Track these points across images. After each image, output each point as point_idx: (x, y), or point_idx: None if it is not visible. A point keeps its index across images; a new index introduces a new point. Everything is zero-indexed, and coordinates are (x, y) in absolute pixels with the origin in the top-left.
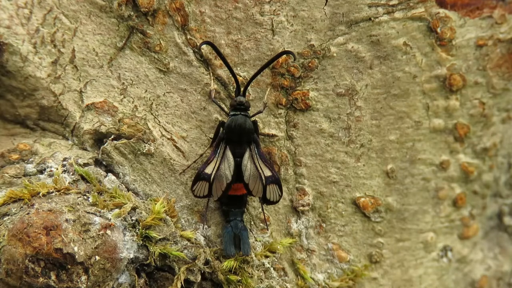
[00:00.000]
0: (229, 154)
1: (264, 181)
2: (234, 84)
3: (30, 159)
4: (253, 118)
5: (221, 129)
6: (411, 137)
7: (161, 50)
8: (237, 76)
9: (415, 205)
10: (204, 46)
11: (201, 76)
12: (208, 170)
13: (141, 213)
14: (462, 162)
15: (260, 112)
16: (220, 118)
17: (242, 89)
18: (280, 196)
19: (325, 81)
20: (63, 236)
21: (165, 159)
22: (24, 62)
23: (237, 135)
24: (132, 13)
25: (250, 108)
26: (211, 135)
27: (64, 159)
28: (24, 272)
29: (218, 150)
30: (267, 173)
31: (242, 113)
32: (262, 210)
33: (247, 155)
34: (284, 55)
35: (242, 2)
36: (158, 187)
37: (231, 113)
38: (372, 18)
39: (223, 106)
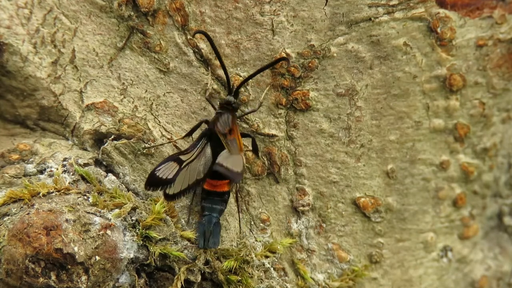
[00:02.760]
0: (208, 151)
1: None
2: (234, 84)
3: (30, 159)
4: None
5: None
6: (411, 137)
7: (161, 50)
8: (237, 76)
9: (415, 205)
10: (204, 46)
11: (201, 76)
12: (184, 158)
13: (141, 213)
14: (462, 162)
15: (253, 111)
16: None
17: (235, 89)
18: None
19: (325, 81)
20: (63, 236)
21: None
22: (24, 62)
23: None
24: (132, 13)
25: (239, 110)
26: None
27: (64, 159)
28: (24, 272)
29: (198, 145)
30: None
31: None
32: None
33: (224, 151)
34: (284, 54)
35: (242, 2)
36: None
37: (218, 111)
38: (372, 18)
39: (215, 105)
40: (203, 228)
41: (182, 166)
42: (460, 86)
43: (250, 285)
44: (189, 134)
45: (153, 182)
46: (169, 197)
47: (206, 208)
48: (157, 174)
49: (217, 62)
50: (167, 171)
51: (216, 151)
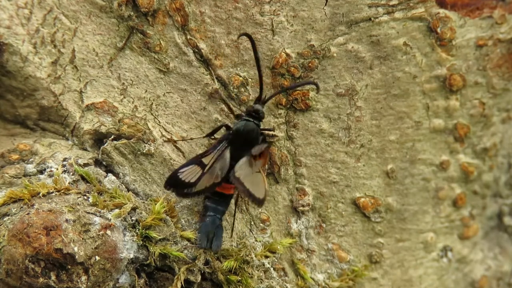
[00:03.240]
0: (227, 155)
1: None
2: (234, 84)
3: (30, 159)
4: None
5: (227, 130)
6: (411, 137)
7: (161, 50)
8: (237, 76)
9: (415, 205)
10: (204, 46)
11: (201, 76)
12: (206, 160)
13: (141, 213)
14: (462, 162)
15: (270, 130)
16: (220, 118)
17: (263, 98)
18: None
19: (325, 81)
20: (63, 236)
21: (165, 159)
22: (24, 62)
23: (241, 140)
24: (132, 13)
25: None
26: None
27: (64, 159)
28: (24, 272)
29: (218, 147)
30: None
31: (255, 121)
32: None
33: (243, 160)
34: (285, 56)
35: (242, 2)
36: (158, 187)
37: (244, 117)
38: (372, 18)
39: (231, 106)
40: (206, 228)
41: (204, 171)
42: (460, 86)
43: (250, 285)
44: (210, 135)
45: (175, 183)
46: (182, 194)
47: (210, 208)
48: (180, 176)
49: (217, 62)
50: (190, 175)
51: (235, 156)
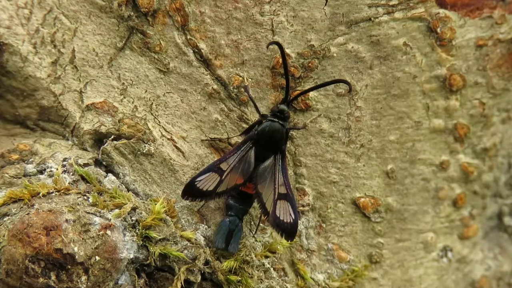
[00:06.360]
0: (251, 155)
1: (275, 196)
2: (234, 84)
3: (30, 159)
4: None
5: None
6: (411, 137)
7: (161, 50)
8: (237, 76)
9: (415, 205)
10: (204, 46)
11: (201, 76)
12: (224, 166)
13: (141, 213)
14: (462, 162)
15: (298, 128)
16: (220, 118)
17: (289, 98)
18: (293, 219)
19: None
20: (63, 236)
21: (165, 159)
22: (24, 62)
23: (267, 141)
24: (132, 13)
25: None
26: (211, 135)
27: (64, 159)
28: (24, 273)
29: (242, 148)
30: (282, 190)
31: (280, 121)
32: (259, 219)
33: (269, 162)
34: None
35: (242, 2)
36: (158, 187)
37: (269, 118)
38: (372, 18)
39: (257, 105)
40: (225, 228)
41: (223, 178)
42: (460, 86)
43: (250, 285)
44: (245, 132)
45: (192, 193)
46: (210, 196)
47: (233, 207)
48: (197, 185)
49: (217, 62)
50: (208, 182)
51: (260, 156)
